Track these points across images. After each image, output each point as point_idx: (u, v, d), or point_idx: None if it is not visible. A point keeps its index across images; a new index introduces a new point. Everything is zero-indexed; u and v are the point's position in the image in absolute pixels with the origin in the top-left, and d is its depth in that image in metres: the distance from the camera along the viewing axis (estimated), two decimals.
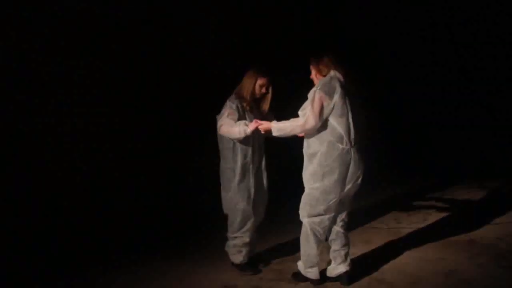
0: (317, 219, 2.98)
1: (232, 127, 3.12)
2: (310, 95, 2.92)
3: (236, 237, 3.35)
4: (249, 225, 3.30)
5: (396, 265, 3.22)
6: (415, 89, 7.48)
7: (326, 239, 3.13)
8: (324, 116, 2.86)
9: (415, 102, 7.43)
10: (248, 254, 3.41)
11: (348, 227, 3.09)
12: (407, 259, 3.32)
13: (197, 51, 5.92)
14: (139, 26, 5.45)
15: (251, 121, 3.18)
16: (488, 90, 7.09)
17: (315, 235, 3.01)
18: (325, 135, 2.91)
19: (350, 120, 2.89)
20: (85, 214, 4.56)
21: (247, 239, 3.33)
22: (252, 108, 3.33)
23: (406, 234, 3.87)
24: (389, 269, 3.18)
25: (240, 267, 3.38)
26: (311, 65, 3.10)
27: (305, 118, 2.88)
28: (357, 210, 4.39)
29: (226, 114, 3.19)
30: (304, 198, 3.04)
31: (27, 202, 4.34)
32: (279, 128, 3.00)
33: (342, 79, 2.95)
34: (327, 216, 2.99)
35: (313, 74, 3.09)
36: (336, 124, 2.88)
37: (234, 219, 3.32)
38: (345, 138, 2.88)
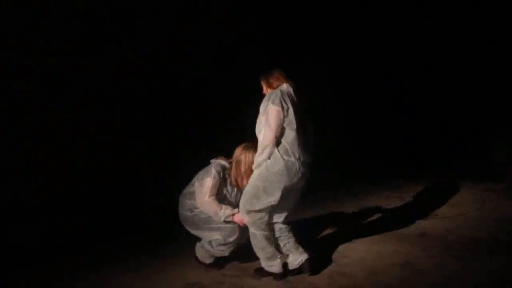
0: (255, 215, 3.03)
1: (214, 208, 3.14)
2: (262, 109, 2.97)
3: (217, 250, 3.29)
4: (233, 238, 3.22)
5: (354, 259, 3.31)
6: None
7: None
8: (280, 128, 2.90)
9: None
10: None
11: (288, 221, 3.19)
12: (364, 253, 3.41)
13: (196, 52, 5.97)
14: (138, 27, 5.51)
15: (229, 192, 3.27)
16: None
17: (258, 229, 3.06)
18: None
19: (296, 133, 2.93)
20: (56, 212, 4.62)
21: (226, 253, 3.29)
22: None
23: (362, 230, 3.96)
24: (348, 263, 3.26)
25: (206, 264, 3.38)
26: (261, 80, 3.14)
27: (261, 136, 2.93)
28: (319, 209, 4.65)
29: (210, 184, 3.16)
30: (245, 193, 3.06)
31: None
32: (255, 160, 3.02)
33: (292, 93, 3.01)
34: (265, 213, 3.05)
35: (264, 89, 3.14)
36: (283, 137, 2.93)
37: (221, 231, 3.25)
38: (290, 151, 2.92)
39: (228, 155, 3.34)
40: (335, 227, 4.11)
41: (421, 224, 3.94)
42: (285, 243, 3.16)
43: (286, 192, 3.01)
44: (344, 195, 5.29)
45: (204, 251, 3.35)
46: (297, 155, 2.95)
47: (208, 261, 3.37)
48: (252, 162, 3.13)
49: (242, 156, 3.20)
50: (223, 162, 3.30)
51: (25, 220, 4.37)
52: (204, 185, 3.20)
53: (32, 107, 4.77)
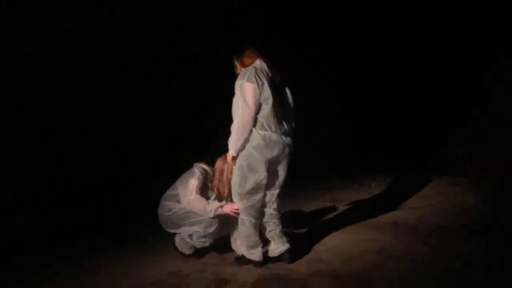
0: (247, 201, 3.06)
1: (202, 204, 3.15)
2: (237, 88, 2.98)
3: (198, 242, 3.33)
4: (213, 228, 3.26)
5: (330, 247, 3.44)
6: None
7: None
8: (258, 105, 2.91)
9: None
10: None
11: (279, 209, 3.26)
12: (340, 241, 3.55)
13: (196, 52, 5.97)
14: (139, 27, 5.51)
15: (210, 197, 3.29)
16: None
17: (248, 216, 3.09)
18: None
19: (272, 107, 2.95)
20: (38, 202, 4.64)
21: (207, 244, 3.33)
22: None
23: (336, 221, 4.13)
24: (324, 250, 3.38)
25: (185, 255, 3.42)
26: (234, 60, 3.15)
27: (238, 115, 2.93)
28: (293, 203, 4.75)
29: (195, 184, 3.20)
30: (234, 176, 3.10)
31: None
32: (231, 146, 2.99)
33: (266, 68, 3.03)
34: (257, 196, 3.07)
35: (238, 69, 3.14)
36: (259, 112, 2.94)
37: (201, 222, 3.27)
38: (265, 124, 2.95)
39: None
40: (310, 219, 4.28)
41: (392, 215, 4.18)
42: (271, 229, 3.20)
43: (271, 166, 3.05)
44: (314, 189, 5.48)
45: (185, 243, 3.38)
46: (273, 128, 2.97)
47: (188, 252, 3.41)
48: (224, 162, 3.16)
49: (226, 166, 3.21)
50: (205, 166, 3.35)
51: (23, 219, 4.36)
52: (188, 186, 3.22)
53: (32, 107, 4.77)
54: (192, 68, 6.04)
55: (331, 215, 4.35)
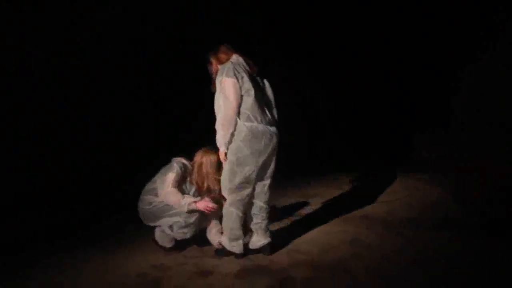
0: (235, 195, 3.06)
1: (177, 197, 3.15)
2: (218, 85, 2.97)
3: (178, 233, 3.33)
4: (194, 218, 3.26)
5: (307, 238, 3.55)
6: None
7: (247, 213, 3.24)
8: (239, 98, 2.92)
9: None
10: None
11: (269, 202, 3.27)
12: (316, 233, 3.67)
13: (196, 52, 5.97)
14: (138, 27, 5.51)
15: (188, 189, 3.30)
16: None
17: (236, 209, 3.10)
18: None
19: (255, 98, 2.96)
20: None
21: (188, 236, 3.33)
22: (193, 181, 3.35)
23: (309, 215, 4.29)
24: (302, 241, 3.47)
25: (166, 248, 3.40)
26: (211, 58, 3.14)
27: (220, 112, 2.92)
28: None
29: (173, 177, 3.19)
30: (224, 171, 3.09)
31: None
32: (220, 143, 2.99)
33: (243, 62, 3.04)
34: (246, 191, 3.08)
35: (214, 66, 3.12)
36: (242, 105, 2.94)
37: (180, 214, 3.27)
38: (251, 115, 2.96)
39: None
40: (285, 213, 4.34)
41: (362, 208, 4.34)
42: (258, 222, 3.21)
43: (260, 157, 3.04)
44: (289, 186, 5.58)
45: (165, 235, 3.38)
46: (258, 119, 2.98)
47: (169, 245, 3.39)
48: (215, 162, 3.17)
49: (204, 159, 3.23)
50: (184, 160, 3.34)
51: (22, 218, 4.37)
52: (166, 180, 3.22)
53: (32, 107, 4.77)
54: (192, 68, 6.03)
55: (306, 210, 4.46)
